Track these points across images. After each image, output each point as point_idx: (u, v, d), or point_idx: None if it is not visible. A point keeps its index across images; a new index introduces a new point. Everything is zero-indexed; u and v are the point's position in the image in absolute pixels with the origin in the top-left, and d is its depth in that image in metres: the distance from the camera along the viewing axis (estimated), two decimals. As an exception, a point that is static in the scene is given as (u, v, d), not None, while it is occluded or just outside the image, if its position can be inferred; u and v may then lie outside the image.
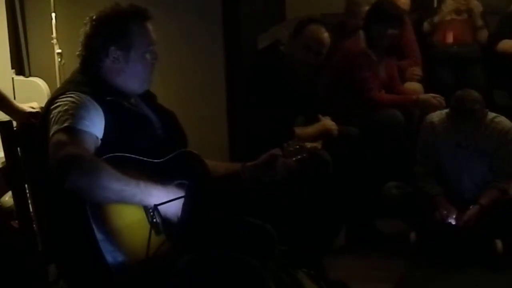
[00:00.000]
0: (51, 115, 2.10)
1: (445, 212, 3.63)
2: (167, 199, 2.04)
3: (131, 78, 2.25)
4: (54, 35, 3.43)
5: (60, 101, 2.12)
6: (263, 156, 2.48)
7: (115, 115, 2.16)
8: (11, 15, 3.48)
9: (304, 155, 2.55)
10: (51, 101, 2.17)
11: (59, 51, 3.44)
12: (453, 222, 3.62)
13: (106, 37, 2.22)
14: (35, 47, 3.59)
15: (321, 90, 4.11)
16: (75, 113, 2.07)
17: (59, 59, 3.45)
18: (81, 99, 2.13)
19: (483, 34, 4.93)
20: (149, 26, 2.26)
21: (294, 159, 2.51)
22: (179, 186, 2.19)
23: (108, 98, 2.18)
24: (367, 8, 4.41)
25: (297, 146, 2.54)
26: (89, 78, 2.23)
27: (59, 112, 2.08)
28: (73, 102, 2.11)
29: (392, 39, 4.17)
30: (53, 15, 3.41)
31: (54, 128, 2.04)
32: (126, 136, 2.16)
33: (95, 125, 2.10)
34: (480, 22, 4.92)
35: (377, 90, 4.18)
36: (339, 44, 4.19)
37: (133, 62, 2.23)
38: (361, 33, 4.21)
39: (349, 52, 4.18)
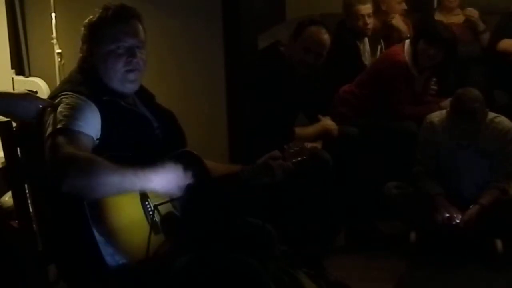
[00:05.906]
0: (47, 116, 2.10)
1: (445, 212, 3.63)
2: (166, 181, 2.05)
3: (107, 76, 2.24)
4: (54, 35, 3.43)
5: (56, 102, 2.13)
6: (262, 158, 2.47)
7: (112, 115, 2.17)
8: (11, 15, 3.47)
9: (305, 157, 2.55)
10: None
11: (59, 51, 3.44)
12: (453, 222, 3.62)
13: (87, 41, 2.27)
14: (35, 47, 3.58)
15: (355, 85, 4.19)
16: (70, 114, 2.07)
17: (59, 59, 3.44)
18: (77, 100, 2.13)
19: (486, 37, 4.89)
20: (123, 25, 2.24)
21: (294, 160, 2.51)
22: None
23: (104, 97, 2.18)
24: (361, 7, 4.41)
25: (298, 148, 2.54)
26: (86, 78, 2.23)
27: (54, 113, 2.09)
28: (68, 103, 2.11)
29: (437, 60, 4.03)
30: (53, 15, 3.41)
31: (49, 130, 2.05)
32: (123, 136, 2.16)
33: (91, 126, 2.10)
34: (481, 27, 4.87)
35: (407, 104, 4.11)
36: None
37: (100, 58, 2.24)
38: (407, 44, 4.13)
39: (390, 61, 4.12)
